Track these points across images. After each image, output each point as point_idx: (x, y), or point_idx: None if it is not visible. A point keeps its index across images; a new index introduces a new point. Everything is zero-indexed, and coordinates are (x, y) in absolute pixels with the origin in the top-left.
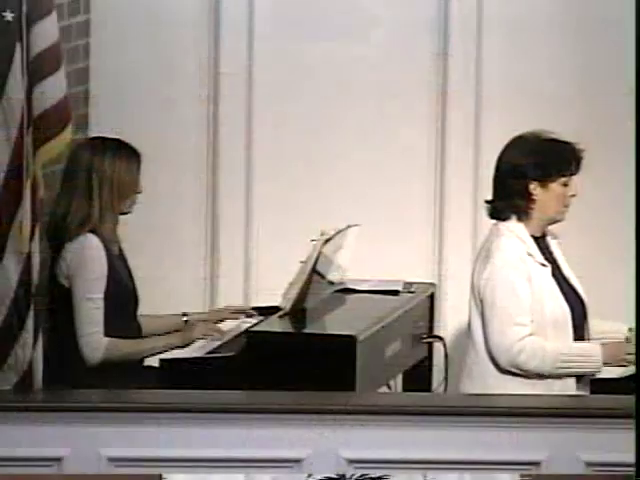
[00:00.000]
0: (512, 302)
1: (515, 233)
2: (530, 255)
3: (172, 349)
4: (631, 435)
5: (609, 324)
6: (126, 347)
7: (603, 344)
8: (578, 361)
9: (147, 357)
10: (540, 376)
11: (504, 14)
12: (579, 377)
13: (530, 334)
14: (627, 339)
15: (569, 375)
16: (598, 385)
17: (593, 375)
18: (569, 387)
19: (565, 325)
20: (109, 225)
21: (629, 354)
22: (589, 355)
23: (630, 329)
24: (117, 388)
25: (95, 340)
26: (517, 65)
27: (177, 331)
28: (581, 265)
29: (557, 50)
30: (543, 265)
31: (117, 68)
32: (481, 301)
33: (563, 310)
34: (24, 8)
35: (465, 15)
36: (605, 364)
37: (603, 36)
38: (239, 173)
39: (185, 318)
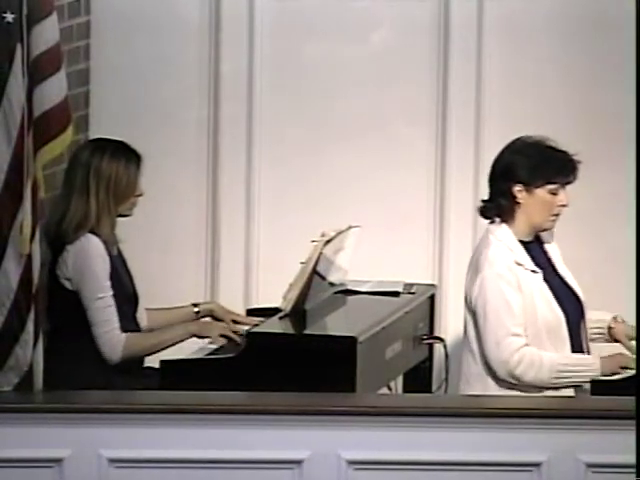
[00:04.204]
0: (505, 313)
1: (504, 242)
2: (519, 264)
3: (190, 337)
4: (632, 436)
5: (592, 313)
6: (145, 340)
7: (602, 356)
8: (576, 372)
9: (167, 347)
10: (538, 388)
11: (504, 14)
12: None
13: (526, 344)
14: (609, 324)
15: (567, 386)
16: (598, 386)
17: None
18: None
19: (559, 331)
20: (107, 226)
21: (628, 368)
22: (587, 366)
23: (616, 317)
24: (117, 389)
25: (114, 337)
26: (517, 65)
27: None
28: (581, 264)
29: (557, 50)
30: (534, 272)
31: (117, 69)
32: (474, 313)
33: (556, 316)
34: (25, 9)
35: (465, 15)
36: (604, 375)
37: (603, 35)
38: (239, 173)
39: (196, 309)
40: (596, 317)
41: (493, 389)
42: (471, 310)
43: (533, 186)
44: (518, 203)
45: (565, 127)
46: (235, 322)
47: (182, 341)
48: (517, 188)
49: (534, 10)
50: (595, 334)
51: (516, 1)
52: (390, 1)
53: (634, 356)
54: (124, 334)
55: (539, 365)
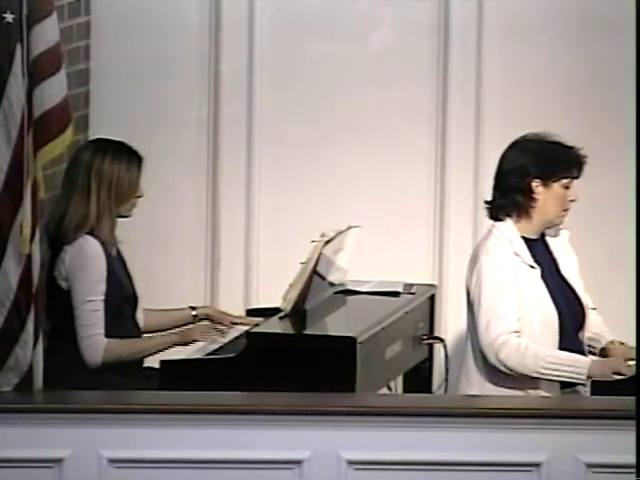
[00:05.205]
0: (498, 299)
1: (505, 235)
2: (518, 255)
3: (172, 347)
4: (632, 436)
5: (599, 327)
6: (127, 347)
7: (594, 358)
8: (562, 366)
9: (148, 356)
10: (531, 387)
11: (504, 14)
12: (565, 385)
13: (517, 331)
14: (610, 350)
15: (552, 380)
16: (598, 386)
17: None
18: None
19: (552, 328)
20: (107, 227)
21: (620, 373)
22: (574, 364)
23: (612, 342)
24: (116, 389)
25: (96, 342)
26: (517, 65)
27: (184, 324)
28: (581, 265)
29: (557, 50)
30: (532, 267)
31: (117, 69)
32: (472, 303)
33: (550, 313)
34: (24, 9)
35: (465, 15)
36: (589, 378)
37: (603, 36)
38: (239, 173)
39: (194, 312)
40: (592, 335)
41: (489, 389)
42: (470, 301)
43: (550, 180)
44: (534, 198)
45: (565, 127)
46: (234, 324)
47: (164, 350)
48: (534, 183)
49: (534, 10)
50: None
51: (516, 1)
52: (390, 1)
53: (630, 363)
54: (106, 339)
55: (523, 352)
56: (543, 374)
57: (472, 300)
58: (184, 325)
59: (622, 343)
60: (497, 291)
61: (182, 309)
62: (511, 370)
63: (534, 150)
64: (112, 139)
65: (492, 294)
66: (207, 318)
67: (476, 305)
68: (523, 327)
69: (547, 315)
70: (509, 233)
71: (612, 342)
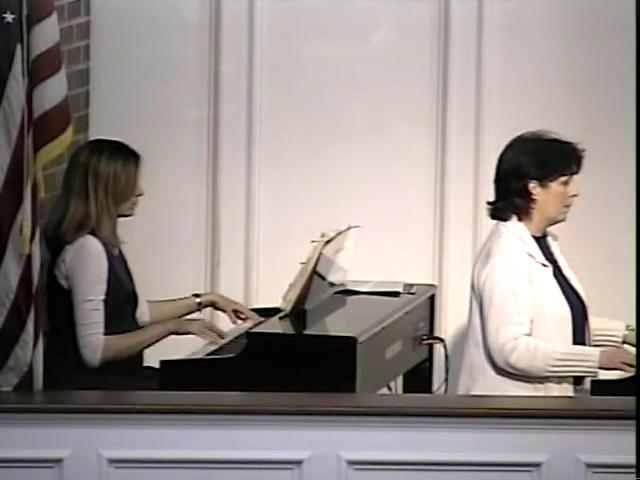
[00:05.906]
0: (510, 302)
1: (516, 234)
2: (531, 256)
3: (169, 335)
4: (632, 436)
5: (606, 322)
6: (125, 341)
7: (602, 349)
8: (572, 362)
9: (148, 347)
10: (539, 379)
11: (504, 14)
12: (578, 381)
13: (527, 334)
14: (625, 337)
15: (564, 376)
16: (598, 386)
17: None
18: (567, 393)
19: (566, 324)
20: (107, 227)
21: (628, 364)
22: (584, 357)
23: (629, 327)
24: (117, 389)
25: (94, 341)
26: (517, 65)
27: (189, 313)
28: (581, 265)
29: (557, 50)
30: (544, 265)
31: (117, 69)
32: (480, 301)
33: (564, 310)
34: (24, 9)
35: (465, 15)
36: (602, 368)
37: (603, 36)
38: (239, 173)
39: (198, 300)
40: (607, 325)
41: (495, 381)
42: (478, 297)
43: (547, 180)
44: (533, 200)
45: (565, 127)
46: (236, 312)
47: (162, 339)
48: (532, 185)
49: (534, 10)
50: (606, 341)
51: (516, 1)
52: (390, 1)
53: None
54: (104, 337)
55: (533, 353)
56: (554, 372)
57: (481, 296)
58: (189, 313)
59: (633, 329)
60: (509, 293)
61: (186, 298)
62: (522, 371)
63: (531, 151)
64: (109, 139)
65: (504, 295)
66: (212, 304)
67: (487, 305)
68: (537, 326)
69: (561, 312)
70: (520, 233)
71: (628, 327)
